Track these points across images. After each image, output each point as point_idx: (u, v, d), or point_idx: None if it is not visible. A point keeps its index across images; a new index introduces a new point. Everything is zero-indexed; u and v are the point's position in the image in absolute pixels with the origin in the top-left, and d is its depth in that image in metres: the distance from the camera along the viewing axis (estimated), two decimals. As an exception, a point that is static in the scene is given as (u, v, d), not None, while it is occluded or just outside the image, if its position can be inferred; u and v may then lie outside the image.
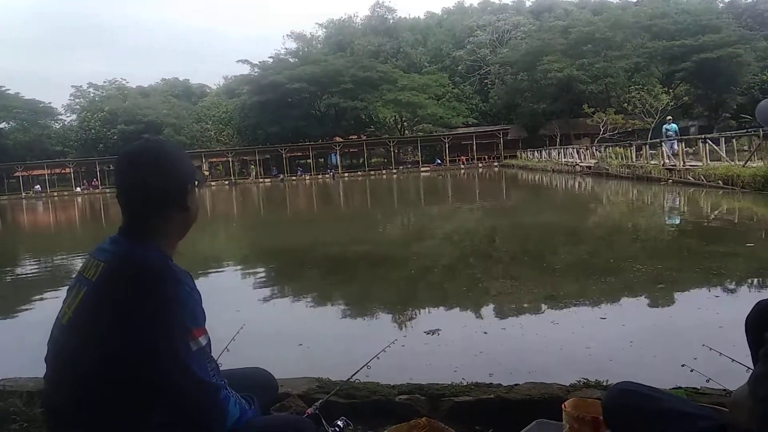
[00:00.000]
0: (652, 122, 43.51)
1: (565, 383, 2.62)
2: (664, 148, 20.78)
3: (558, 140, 49.05)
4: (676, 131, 23.64)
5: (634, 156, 24.56)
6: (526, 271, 7.23)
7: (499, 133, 56.72)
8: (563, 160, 34.51)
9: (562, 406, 2.24)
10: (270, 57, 67.27)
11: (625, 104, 47.31)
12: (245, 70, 68.26)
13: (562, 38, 53.84)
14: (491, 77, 62.94)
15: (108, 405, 1.32)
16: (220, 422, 1.38)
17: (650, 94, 46.96)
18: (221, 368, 2.08)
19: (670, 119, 24.45)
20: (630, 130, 44.87)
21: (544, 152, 42.16)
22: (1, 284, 9.66)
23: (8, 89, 59.31)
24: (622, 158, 25.77)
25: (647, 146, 23.86)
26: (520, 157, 48.28)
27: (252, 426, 1.46)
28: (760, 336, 1.44)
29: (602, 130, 44.83)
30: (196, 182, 1.55)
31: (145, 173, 1.44)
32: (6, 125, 61.61)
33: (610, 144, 32.20)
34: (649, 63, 52.57)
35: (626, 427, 1.49)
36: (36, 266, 11.65)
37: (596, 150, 31.21)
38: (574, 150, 34.38)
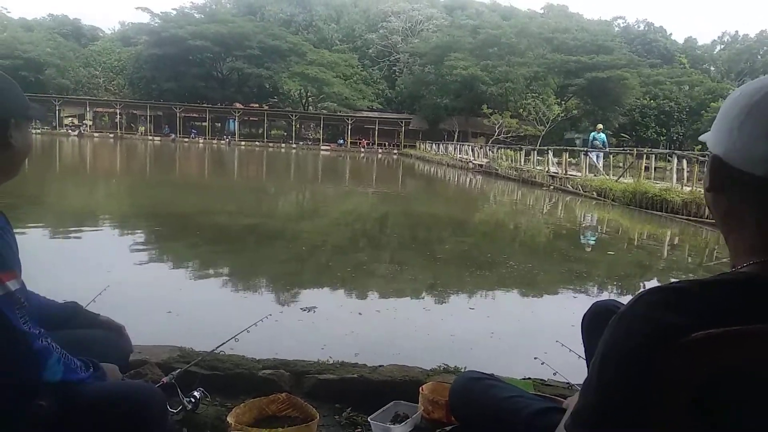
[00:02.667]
0: (543, 130, 46.11)
1: (427, 367, 2.73)
2: (590, 157, 20.20)
3: (456, 136, 50.63)
4: (604, 142, 22.13)
5: (522, 160, 25.94)
6: (411, 258, 7.43)
7: (402, 122, 57.57)
8: (458, 156, 35.67)
9: (420, 388, 2.34)
10: (174, 9, 63.67)
11: (521, 110, 49.72)
12: (145, 18, 64.25)
13: (471, 37, 55.46)
14: (400, 65, 63.61)
15: None
16: (33, 375, 1.27)
17: (544, 104, 49.69)
18: (65, 331, 1.96)
19: (600, 128, 22.90)
20: (523, 135, 47.23)
21: (441, 146, 43.35)
22: None
23: None
24: (511, 161, 27.15)
25: (535, 152, 25.28)
26: (419, 148, 49.31)
27: (89, 390, 1.36)
28: (591, 337, 1.58)
29: (497, 131, 46.84)
30: (29, 120, 1.43)
31: None
32: None
33: (502, 146, 33.74)
34: (547, 74, 55.49)
35: (465, 412, 1.59)
36: None
37: (489, 150, 32.57)
38: (470, 147, 35.63)
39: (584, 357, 1.70)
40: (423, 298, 5.33)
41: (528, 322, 4.78)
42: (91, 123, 56.16)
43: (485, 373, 1.61)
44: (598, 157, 20.49)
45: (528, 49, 54.74)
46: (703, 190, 1.01)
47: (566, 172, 20.34)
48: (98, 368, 1.45)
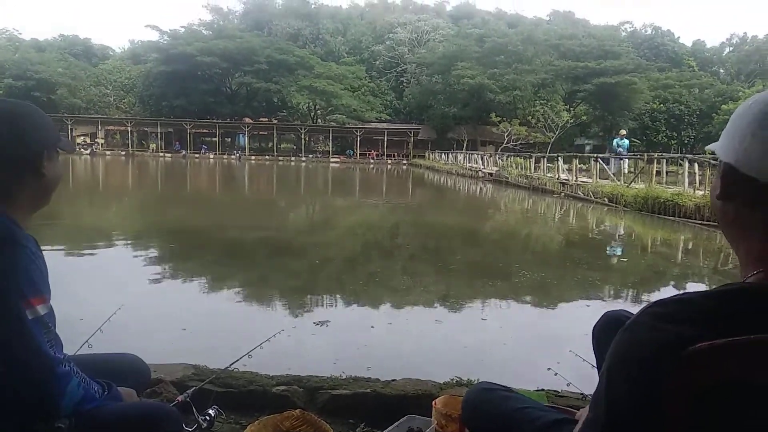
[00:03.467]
0: (552, 137, 45.99)
1: (440, 381, 2.73)
2: (613, 163, 19.68)
3: (465, 145, 50.60)
4: (627, 148, 21.59)
5: (532, 167, 25.88)
6: (422, 269, 7.43)
7: (410, 132, 57.68)
8: (468, 164, 35.63)
9: (433, 403, 2.33)
10: (182, 26, 64.37)
11: (530, 117, 49.62)
12: (154, 36, 65.02)
13: (477, 46, 55.57)
14: (407, 76, 63.82)
15: None
16: (54, 398, 1.30)
17: (553, 110, 49.57)
18: (93, 350, 1.99)
19: (623, 133, 22.32)
20: (532, 142, 47.11)
21: (451, 155, 43.32)
22: None
23: None
24: (521, 168, 27.09)
25: (545, 159, 25.21)
26: (428, 158, 49.32)
27: (103, 412, 1.39)
28: (603, 347, 1.58)
29: (506, 139, 46.76)
30: (58, 150, 1.48)
31: None
32: None
33: (512, 154, 33.68)
34: (555, 80, 55.39)
35: (478, 423, 1.59)
36: None
37: (499, 158, 32.51)
38: (479, 156, 35.59)
39: (597, 367, 1.70)
40: (435, 309, 5.32)
41: (541, 331, 4.76)
42: (102, 141, 56.76)
43: (498, 384, 1.61)
44: (622, 162, 20.07)
45: (535, 56, 54.73)
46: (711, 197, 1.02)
47: (577, 178, 20.26)
48: (113, 389, 1.48)
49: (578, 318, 5.14)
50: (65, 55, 62.87)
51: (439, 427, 2.24)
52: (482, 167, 32.23)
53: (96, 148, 53.25)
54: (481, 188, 25.87)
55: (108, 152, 52.68)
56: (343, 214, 14.74)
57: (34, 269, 1.30)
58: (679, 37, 77.13)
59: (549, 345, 4.27)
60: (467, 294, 5.96)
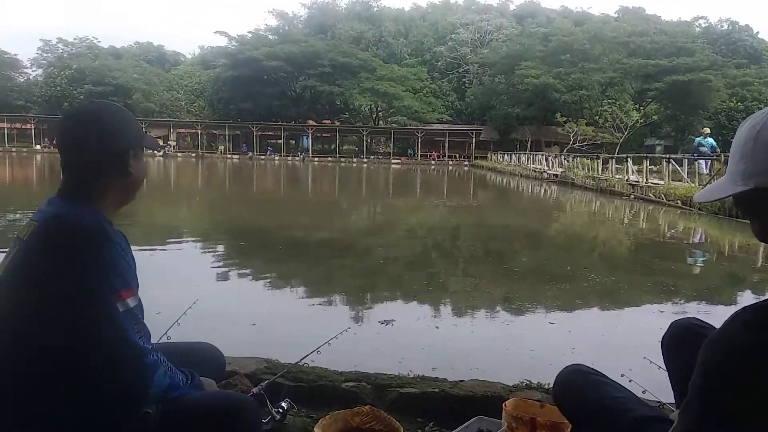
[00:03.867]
0: (621, 137, 44.47)
1: (505, 383, 2.69)
2: (698, 165, 18.52)
3: (529, 146, 49.71)
4: (713, 146, 20.04)
5: (599, 168, 25.10)
6: (486, 271, 7.34)
7: (472, 133, 57.17)
8: (532, 165, 34.97)
9: (503, 405, 2.30)
10: (249, 32, 66.28)
11: (597, 117, 48.19)
12: (222, 42, 67.18)
13: (542, 45, 54.50)
14: (469, 76, 63.33)
15: (38, 366, 1.32)
16: (143, 386, 1.37)
17: (621, 110, 47.95)
18: (171, 341, 2.07)
19: (707, 132, 21.03)
20: (599, 142, 45.76)
21: (514, 156, 42.66)
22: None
23: (-30, 36, 57.12)
24: (588, 170, 26.32)
25: (614, 160, 24.40)
26: (490, 159, 48.74)
27: (189, 400, 1.45)
28: (674, 357, 1.53)
29: (572, 140, 45.62)
30: (143, 148, 1.54)
31: (85, 135, 1.42)
32: (-36, 73, 59.32)
33: (578, 155, 32.81)
34: (624, 79, 53.61)
35: (572, 405, 1.56)
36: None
37: (564, 159, 31.73)
38: (544, 157, 34.88)
39: (671, 378, 1.65)
40: (500, 312, 5.25)
41: (612, 337, 4.60)
42: (174, 143, 59.14)
43: (593, 369, 1.59)
44: (706, 164, 18.69)
45: (602, 55, 53.12)
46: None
47: (647, 180, 19.49)
48: (195, 378, 1.55)
49: (651, 324, 4.94)
50: (140, 62, 66.02)
51: (509, 430, 2.21)
52: (547, 168, 31.55)
53: (168, 150, 55.53)
54: (545, 190, 25.32)
55: (179, 154, 54.84)
56: (404, 215, 14.76)
57: (124, 264, 1.37)
58: (758, 32, 72.85)
59: (621, 351, 4.13)
60: (533, 297, 5.85)
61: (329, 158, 56.31)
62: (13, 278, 1.36)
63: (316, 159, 55.17)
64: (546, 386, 2.70)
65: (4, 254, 1.42)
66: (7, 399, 1.34)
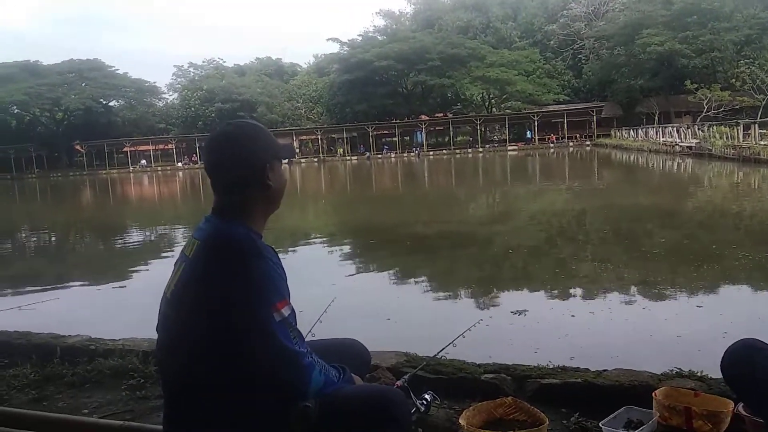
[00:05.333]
0: (763, 99, 40.11)
1: (652, 371, 2.57)
2: None
3: (656, 118, 46.32)
4: None
5: (740, 136, 22.84)
6: (619, 254, 7.00)
7: (592, 111, 54.29)
8: (661, 139, 32.67)
9: (653, 394, 2.21)
10: (359, 35, 67.73)
11: (733, 80, 43.83)
12: (335, 48, 69.08)
13: (665, 10, 50.41)
14: (585, 52, 60.17)
15: (209, 372, 1.47)
16: (303, 387, 1.48)
17: (762, 69, 43.23)
18: (315, 338, 2.21)
19: None
20: (738, 107, 41.60)
21: (640, 131, 40.08)
22: (114, 251, 10.51)
23: (117, 69, 63.52)
24: (727, 138, 24.04)
25: (756, 126, 22.12)
26: (614, 136, 46.12)
27: (342, 394, 1.56)
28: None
29: (706, 107, 41.87)
30: (280, 159, 1.64)
31: (225, 154, 1.56)
32: (116, 103, 65.93)
33: (714, 123, 30.07)
34: (762, 35, 48.23)
35: (744, 379, 1.52)
36: (143, 236, 12.57)
37: (698, 129, 29.26)
38: (674, 129, 32.45)
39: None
40: (639, 297, 4.99)
41: (770, 319, 4.21)
42: (298, 150, 62.02)
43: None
44: None
45: (735, 11, 48.15)
46: None
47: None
48: (347, 373, 1.65)
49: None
50: (261, 76, 69.87)
51: (662, 420, 2.13)
52: (679, 140, 29.28)
53: (292, 157, 58.21)
54: (678, 164, 23.52)
55: (302, 160, 57.32)
56: (526, 202, 14.40)
57: (277, 276, 1.48)
58: None
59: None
60: (675, 280, 5.49)
61: (444, 151, 56.11)
62: (182, 294, 1.52)
63: (431, 153, 55.22)
64: (699, 374, 2.54)
65: (174, 268, 1.60)
66: (188, 402, 1.51)
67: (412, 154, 55.18)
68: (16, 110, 60.95)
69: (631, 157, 30.53)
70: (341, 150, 59.70)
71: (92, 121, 59.43)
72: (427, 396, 2.19)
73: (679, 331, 3.93)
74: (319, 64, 75.33)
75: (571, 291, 5.33)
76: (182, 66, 72.33)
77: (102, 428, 2.24)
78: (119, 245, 11.30)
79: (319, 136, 59.57)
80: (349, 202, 18.30)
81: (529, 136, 55.85)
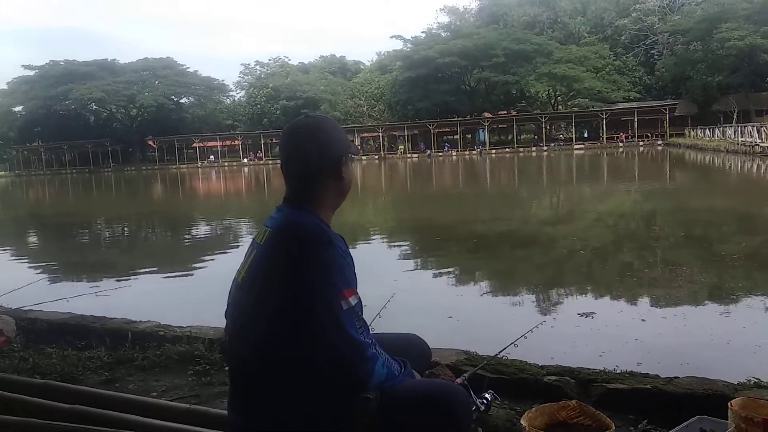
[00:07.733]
0: None
1: (727, 380, 2.44)
2: None
3: (735, 117, 43.96)
4: None
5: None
6: (693, 259, 6.69)
7: (665, 109, 52.07)
8: (740, 139, 30.98)
9: (729, 404, 2.09)
10: (422, 32, 67.53)
11: (823, 76, 41.03)
12: (398, 45, 69.25)
13: (746, 2, 47.71)
14: (659, 47, 57.74)
15: (275, 358, 1.49)
16: (366, 377, 1.49)
17: None
18: (381, 332, 2.22)
19: None
20: (827, 105, 38.95)
21: (717, 130, 38.13)
22: (182, 244, 10.93)
23: (188, 68, 66.07)
24: (815, 138, 22.54)
25: None
26: (689, 136, 44.10)
27: (404, 387, 1.56)
28: None
29: (791, 105, 39.40)
30: (351, 154, 1.67)
31: (303, 145, 1.59)
32: (186, 100, 68.60)
33: (800, 121, 28.25)
34: None
35: None
36: (211, 228, 13.01)
37: (782, 128, 27.58)
38: (754, 128, 30.68)
39: None
40: (715, 303, 4.76)
41: None
42: (360, 147, 62.56)
43: None
44: None
45: (826, 2, 45.05)
46: None
47: None
48: (408, 367, 1.64)
49: None
50: (325, 74, 70.86)
51: (737, 431, 2.01)
52: (760, 141, 27.66)
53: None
54: (759, 165, 22.22)
55: (363, 157, 57.79)
56: (592, 203, 13.97)
57: (345, 265, 1.50)
58: None
59: None
60: (754, 286, 5.20)
61: (507, 149, 55.24)
62: (253, 280, 1.56)
63: (494, 151, 54.47)
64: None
65: (246, 255, 1.64)
66: (254, 388, 1.54)
67: (474, 152, 54.63)
68: (95, 107, 64.43)
69: (707, 158, 29.10)
70: (402, 147, 59.80)
71: (164, 117, 62.16)
72: (487, 395, 2.16)
73: (758, 340, 3.72)
74: (382, 62, 75.66)
75: (642, 295, 5.14)
76: (249, 64, 74.40)
77: (169, 410, 2.34)
78: (187, 237, 11.75)
79: (380, 134, 59.89)
80: (410, 200, 18.30)
81: (595, 133, 54.18)
